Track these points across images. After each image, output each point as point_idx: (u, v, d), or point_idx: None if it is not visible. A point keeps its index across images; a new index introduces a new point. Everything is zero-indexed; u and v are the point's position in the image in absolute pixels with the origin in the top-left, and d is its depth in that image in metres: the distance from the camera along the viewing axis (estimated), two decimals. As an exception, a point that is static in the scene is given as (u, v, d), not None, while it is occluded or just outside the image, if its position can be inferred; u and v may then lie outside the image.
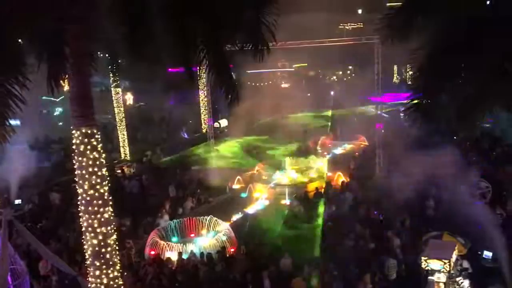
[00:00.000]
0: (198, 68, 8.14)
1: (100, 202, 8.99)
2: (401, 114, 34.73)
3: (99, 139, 8.87)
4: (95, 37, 9.30)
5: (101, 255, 9.12)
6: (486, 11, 11.25)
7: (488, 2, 12.08)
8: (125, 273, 15.08)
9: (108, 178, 9.31)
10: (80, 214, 9.09)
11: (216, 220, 19.41)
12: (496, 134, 29.62)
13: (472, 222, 16.20)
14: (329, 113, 47.60)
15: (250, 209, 22.77)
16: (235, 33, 8.01)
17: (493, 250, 15.42)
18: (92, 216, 8.98)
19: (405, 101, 12.09)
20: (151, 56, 8.92)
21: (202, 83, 32.76)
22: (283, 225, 19.66)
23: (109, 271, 9.25)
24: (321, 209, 21.36)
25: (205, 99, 34.12)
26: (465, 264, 15.08)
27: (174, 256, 16.87)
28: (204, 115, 36.38)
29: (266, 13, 8.00)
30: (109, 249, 9.19)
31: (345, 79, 75.32)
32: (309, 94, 61.11)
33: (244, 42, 8.08)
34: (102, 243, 9.07)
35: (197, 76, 8.71)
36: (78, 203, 9.12)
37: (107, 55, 27.27)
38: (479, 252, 16.00)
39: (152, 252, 17.50)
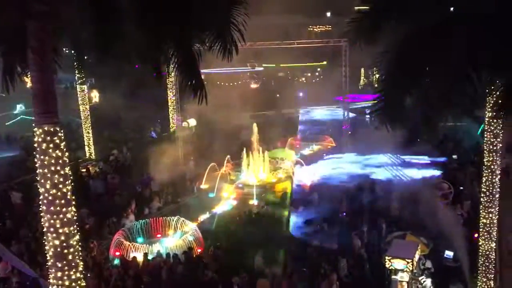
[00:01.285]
0: (166, 66, 8.04)
1: (62, 201, 8.74)
2: (367, 116, 35.43)
3: (62, 137, 8.63)
4: (60, 33, 9.06)
5: (63, 256, 8.86)
6: (450, 17, 11.61)
7: (451, 9, 12.47)
8: (89, 275, 14.83)
9: (71, 177, 9.07)
10: (41, 214, 8.82)
11: (183, 220, 19.25)
12: (458, 136, 30.48)
13: (435, 223, 16.66)
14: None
15: (218, 209, 22.68)
16: (203, 32, 7.96)
17: (454, 250, 15.86)
18: (54, 216, 8.71)
19: (371, 103, 12.34)
20: (119, 53, 8.76)
21: (171, 82, 32.40)
22: (250, 225, 19.63)
23: (71, 273, 9.00)
24: (288, 209, 21.49)
25: (173, 98, 33.80)
26: (428, 263, 15.48)
27: (139, 257, 16.62)
28: (173, 114, 35.98)
29: (235, 13, 8.00)
30: (71, 250, 8.94)
31: (313, 80, 76.07)
32: (278, 95, 61.50)
33: (213, 41, 8.04)
34: (64, 244, 8.82)
35: (165, 75, 8.59)
36: (40, 202, 8.85)
37: (72, 51, 26.55)
38: (441, 252, 16.41)
39: (117, 253, 17.19)
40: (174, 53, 7.75)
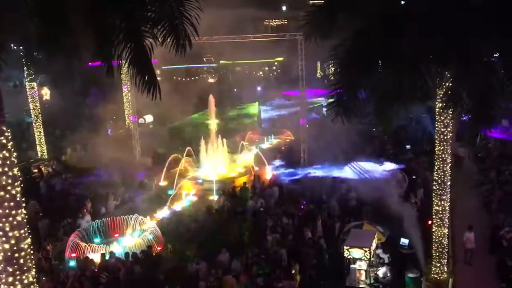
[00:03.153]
0: (118, 62, 7.82)
1: (12, 204, 8.39)
2: (324, 109, 35.96)
3: (9, 137, 8.26)
4: (6, 28, 8.63)
5: (14, 260, 8.53)
6: (402, 10, 11.90)
7: (403, 2, 12.78)
8: (43, 278, 14.36)
9: (20, 179, 8.71)
10: (-11, 217, 8.42)
11: (142, 218, 18.93)
12: (411, 127, 31.41)
13: (390, 211, 17.14)
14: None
15: (177, 206, 22.44)
16: (155, 26, 7.79)
17: (409, 237, 16.36)
18: (3, 219, 8.36)
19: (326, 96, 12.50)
20: (69, 49, 8.45)
21: (125, 78, 31.71)
22: (211, 221, 19.51)
23: (23, 277, 8.67)
24: (248, 203, 21.50)
25: (128, 94, 33.12)
26: (384, 251, 15.90)
27: (97, 258, 16.22)
28: (128, 110, 35.27)
29: (187, 6, 7.87)
30: (22, 253, 8.60)
31: (271, 74, 76.44)
32: (235, 89, 61.39)
33: (165, 36, 7.88)
34: (14, 248, 8.48)
35: (117, 70, 8.34)
36: (-13, 205, 8.44)
37: (21, 47, 25.56)
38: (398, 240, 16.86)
39: (73, 255, 16.72)
40: (124, 47, 7.54)
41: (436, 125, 13.93)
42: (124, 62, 7.74)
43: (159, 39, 8.02)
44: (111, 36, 7.70)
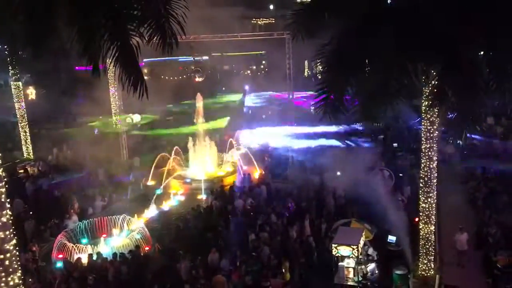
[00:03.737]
0: (103, 61, 7.75)
1: (-4, 205, 8.26)
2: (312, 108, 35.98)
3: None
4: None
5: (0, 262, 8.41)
6: (388, 9, 11.99)
7: (389, 1, 12.88)
8: (30, 279, 14.22)
9: (5, 179, 8.59)
10: (-27, 219, 8.29)
11: (129, 218, 18.82)
12: (399, 125, 31.62)
13: (377, 209, 17.24)
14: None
15: (165, 206, 22.34)
16: (141, 25, 7.74)
17: (397, 235, 16.48)
18: (-12, 221, 8.23)
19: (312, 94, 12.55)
20: (54, 48, 8.37)
21: (112, 77, 31.44)
22: (199, 220, 19.45)
23: (9, 279, 8.53)
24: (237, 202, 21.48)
25: (115, 93, 32.87)
26: (372, 248, 16.00)
27: (84, 259, 16.09)
28: (115, 110, 34.99)
29: (174, 5, 7.84)
30: (8, 255, 8.46)
31: (259, 73, 76.46)
32: (224, 88, 61.27)
33: (152, 34, 7.84)
34: None
35: (103, 70, 8.27)
36: (-29, 207, 8.30)
37: (5, 46, 25.26)
38: (385, 237, 16.97)
39: (60, 256, 16.56)
40: (110, 46, 7.49)
41: (422, 123, 14.04)
42: (110, 61, 7.68)
43: (146, 38, 7.98)
44: (97, 35, 7.64)
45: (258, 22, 77.00)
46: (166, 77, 60.48)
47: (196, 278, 14.26)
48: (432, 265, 14.82)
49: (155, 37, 7.88)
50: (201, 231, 18.07)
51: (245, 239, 17.23)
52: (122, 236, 18.13)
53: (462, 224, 16.73)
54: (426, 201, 14.36)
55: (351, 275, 14.94)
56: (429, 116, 13.73)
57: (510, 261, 14.65)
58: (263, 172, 25.79)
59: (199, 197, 23.39)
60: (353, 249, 14.61)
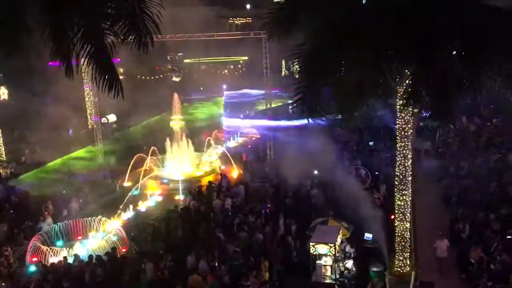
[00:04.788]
0: (76, 60, 7.61)
1: (-34, 208, 8.06)
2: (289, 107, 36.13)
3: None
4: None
5: (-30, 267, 8.21)
6: (363, 10, 12.12)
7: (364, 2, 13.02)
8: (3, 284, 13.91)
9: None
10: None
11: (105, 220, 18.57)
12: (374, 124, 32.00)
13: (354, 207, 17.41)
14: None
15: (142, 207, 22.11)
16: (116, 23, 7.63)
17: (373, 232, 16.68)
18: (-42, 225, 8.03)
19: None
20: (26, 48, 8.17)
21: (87, 77, 30.98)
22: (177, 221, 19.31)
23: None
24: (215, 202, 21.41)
25: (90, 93, 32.40)
26: (349, 246, 16.16)
27: (59, 261, 15.79)
28: (90, 110, 34.51)
29: (148, 4, 7.75)
30: (-21, 260, 8.29)
31: (236, 72, 76.38)
32: (202, 88, 60.92)
33: (127, 33, 7.73)
34: (-29, 254, 8.17)
35: (77, 69, 8.12)
36: None
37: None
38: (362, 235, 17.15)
39: (34, 259, 16.23)
40: (84, 45, 7.36)
41: (397, 122, 14.24)
42: (83, 60, 7.55)
43: (121, 37, 7.87)
44: (70, 33, 7.50)
45: (235, 21, 76.98)
46: (142, 77, 59.89)
47: (161, 279, 14.15)
48: (408, 262, 15.04)
49: (130, 36, 7.78)
50: (178, 232, 17.94)
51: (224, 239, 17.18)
52: (98, 238, 17.87)
53: (436, 221, 17.05)
54: (401, 198, 14.56)
55: (328, 273, 15.07)
56: (403, 115, 13.92)
57: (482, 257, 15.00)
58: (241, 172, 25.78)
59: (177, 197, 23.24)
60: (331, 247, 14.73)
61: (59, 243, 17.54)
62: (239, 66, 75.39)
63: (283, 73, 67.92)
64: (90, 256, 15.77)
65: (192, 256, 15.66)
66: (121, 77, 8.23)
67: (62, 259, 15.82)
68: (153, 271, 14.73)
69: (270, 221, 18.45)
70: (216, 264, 15.32)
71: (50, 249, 16.39)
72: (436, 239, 16.34)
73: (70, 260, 15.85)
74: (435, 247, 16.02)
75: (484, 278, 13.90)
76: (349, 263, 15.47)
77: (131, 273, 14.86)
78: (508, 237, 16.14)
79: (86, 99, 35.88)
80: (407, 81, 11.89)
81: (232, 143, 33.63)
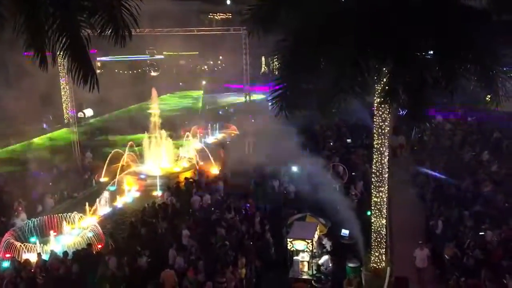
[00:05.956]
0: (52, 52, 7.44)
1: None
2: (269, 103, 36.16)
3: None
4: None
5: None
6: (342, 8, 12.19)
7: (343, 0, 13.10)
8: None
9: None
10: None
11: (81, 216, 18.31)
12: (352, 121, 32.31)
13: (331, 203, 17.57)
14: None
15: (119, 203, 21.86)
16: (92, 15, 7.48)
17: (350, 228, 16.86)
18: None
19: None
20: (1, 38, 7.96)
21: (63, 70, 30.41)
22: (156, 216, 19.14)
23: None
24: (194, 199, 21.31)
25: (66, 87, 31.84)
26: (326, 242, 16.30)
27: (33, 258, 15.51)
28: (66, 104, 33.93)
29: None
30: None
31: (216, 68, 76.15)
32: (181, 84, 60.56)
33: (104, 26, 7.59)
34: None
35: (52, 62, 7.93)
36: None
37: None
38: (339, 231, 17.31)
39: (8, 255, 15.89)
40: (59, 37, 7.20)
41: (374, 120, 14.40)
42: (59, 52, 7.39)
43: (97, 29, 7.72)
44: (45, 25, 7.32)
45: (215, 17, 76.65)
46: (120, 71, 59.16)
47: (119, 277, 14.07)
48: (384, 258, 15.26)
49: (107, 29, 7.64)
50: (156, 228, 17.79)
51: (204, 236, 17.12)
52: (74, 234, 17.61)
53: (411, 217, 17.28)
54: (378, 195, 14.75)
55: (305, 268, 15.18)
56: (381, 113, 14.09)
57: (456, 253, 15.31)
58: (220, 168, 25.72)
59: (155, 193, 23.06)
60: (308, 243, 14.84)
61: (33, 239, 17.21)
62: (219, 62, 75.18)
63: (262, 69, 67.98)
64: (65, 253, 15.53)
65: (172, 251, 15.57)
66: (98, 71, 8.10)
67: (36, 255, 15.54)
68: (115, 267, 14.54)
69: (247, 218, 18.46)
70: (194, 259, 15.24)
71: (24, 245, 16.07)
72: (411, 237, 16.55)
73: (45, 256, 15.58)
74: (414, 256, 15.15)
75: (457, 274, 14.19)
76: (326, 258, 15.58)
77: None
78: (481, 233, 16.52)
79: (62, 92, 35.24)
80: (384, 79, 12.04)
81: (211, 139, 33.52)
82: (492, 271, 13.63)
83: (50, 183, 22.93)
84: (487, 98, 12.49)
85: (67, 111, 33.72)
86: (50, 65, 7.65)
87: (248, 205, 19.87)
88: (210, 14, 74.84)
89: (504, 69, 11.99)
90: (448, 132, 30.62)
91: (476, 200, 19.17)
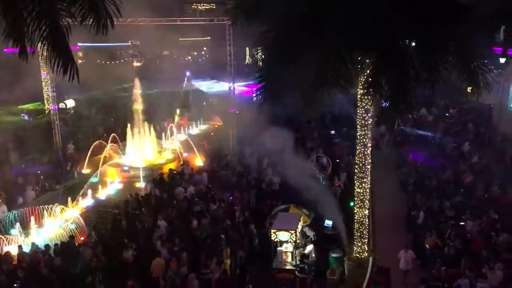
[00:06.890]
0: (30, 42, 7.29)
1: None
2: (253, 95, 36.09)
3: None
4: None
5: None
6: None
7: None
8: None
9: None
10: None
11: (63, 208, 18.10)
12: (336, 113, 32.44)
13: (315, 194, 17.66)
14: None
15: (102, 194, 21.66)
16: (72, 4, 7.35)
17: (333, 219, 16.99)
18: None
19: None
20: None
21: (44, 59, 29.81)
22: (139, 208, 19.02)
23: None
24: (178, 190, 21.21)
25: (47, 77, 31.21)
26: (309, 232, 16.41)
27: (14, 251, 15.30)
28: (47, 94, 33.29)
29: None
30: None
31: (200, 59, 75.55)
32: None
33: (85, 15, 7.46)
34: None
35: (32, 51, 7.78)
36: None
37: None
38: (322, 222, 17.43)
39: (-13, 248, 15.67)
40: (38, 26, 7.05)
41: (358, 111, 14.47)
42: (38, 42, 7.25)
43: (78, 19, 7.59)
44: (24, 13, 7.17)
45: (199, 7, 75.97)
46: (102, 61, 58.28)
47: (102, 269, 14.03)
48: (366, 248, 15.43)
49: (88, 18, 7.51)
50: (140, 219, 17.68)
51: (186, 227, 17.08)
52: (55, 226, 17.41)
53: (393, 208, 17.47)
54: (360, 186, 14.87)
55: (289, 259, 15.27)
56: (364, 104, 14.16)
57: (437, 243, 15.57)
58: (204, 159, 25.64)
59: (138, 185, 22.88)
60: (291, 234, 14.93)
61: (14, 231, 16.96)
62: (203, 53, 74.62)
63: (247, 60, 67.72)
64: (47, 245, 15.35)
65: (157, 241, 15.53)
66: (79, 61, 7.97)
67: (17, 248, 15.34)
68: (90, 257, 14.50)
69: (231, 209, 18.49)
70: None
71: (4, 237, 15.84)
72: (393, 228, 16.75)
73: (26, 248, 15.38)
74: (399, 258, 15.07)
75: (438, 263, 14.45)
76: (310, 248, 15.70)
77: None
78: (461, 223, 16.82)
79: (43, 83, 34.60)
80: (367, 71, 12.09)
81: (195, 131, 33.33)
82: (472, 261, 13.91)
83: (31, 175, 22.57)
84: (468, 90, 12.65)
85: (48, 103, 33.11)
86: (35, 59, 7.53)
87: (232, 196, 19.87)
88: (194, 4, 74.15)
89: (485, 61, 12.16)
90: (430, 123, 30.97)
91: (457, 191, 19.49)
